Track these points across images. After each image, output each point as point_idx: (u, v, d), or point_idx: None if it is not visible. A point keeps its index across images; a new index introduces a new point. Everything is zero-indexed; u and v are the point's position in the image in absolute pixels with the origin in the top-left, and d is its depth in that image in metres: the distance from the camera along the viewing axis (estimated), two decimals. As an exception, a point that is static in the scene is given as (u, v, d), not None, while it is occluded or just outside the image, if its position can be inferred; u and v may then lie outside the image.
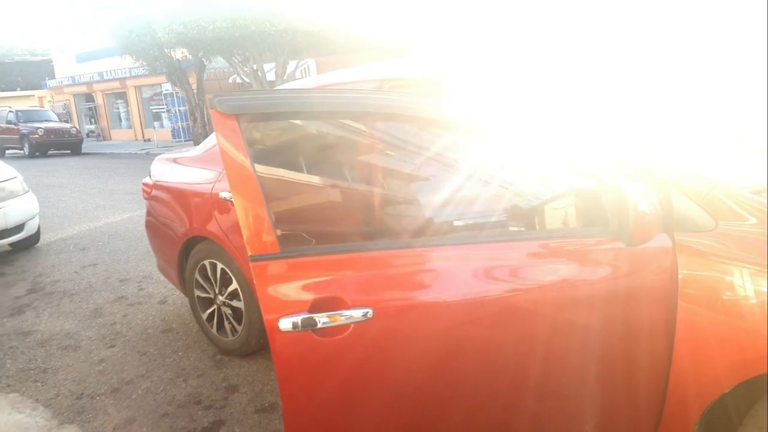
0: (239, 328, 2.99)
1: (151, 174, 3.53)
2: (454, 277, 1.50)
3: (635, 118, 2.11)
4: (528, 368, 1.55)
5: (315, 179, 1.69)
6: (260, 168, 1.46)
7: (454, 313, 1.48)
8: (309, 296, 1.42)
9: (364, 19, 14.76)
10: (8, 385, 3.03)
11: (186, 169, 3.21)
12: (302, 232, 1.63)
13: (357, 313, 1.41)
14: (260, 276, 1.41)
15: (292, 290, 1.43)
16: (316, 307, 1.41)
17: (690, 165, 1.69)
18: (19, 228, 5.45)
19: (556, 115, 1.84)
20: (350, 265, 1.47)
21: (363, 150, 1.76)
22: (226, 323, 3.08)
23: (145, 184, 3.56)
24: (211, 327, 3.16)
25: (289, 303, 1.41)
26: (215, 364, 3.05)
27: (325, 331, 1.41)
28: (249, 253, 1.40)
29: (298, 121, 1.66)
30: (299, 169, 1.65)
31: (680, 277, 1.49)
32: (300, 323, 1.39)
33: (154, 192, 3.45)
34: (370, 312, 1.42)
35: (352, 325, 1.42)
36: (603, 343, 1.53)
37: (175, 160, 3.42)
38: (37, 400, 2.86)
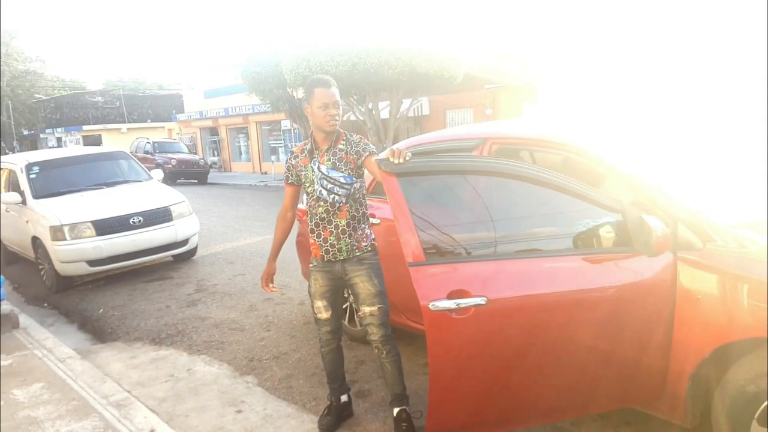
0: (366, 320, 4.21)
1: (303, 202, 4.93)
2: (539, 279, 2.44)
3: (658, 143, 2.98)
4: (592, 342, 2.46)
5: (450, 211, 2.61)
6: (413, 205, 2.37)
7: (540, 304, 2.40)
8: (446, 288, 2.30)
9: (481, 60, 16.10)
10: (198, 350, 4.48)
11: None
12: (441, 246, 2.49)
13: (476, 301, 2.30)
14: (415, 275, 2.30)
15: (435, 284, 2.31)
16: (451, 295, 2.29)
17: (690, 200, 2.63)
18: (185, 242, 7.19)
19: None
20: (473, 269, 2.40)
21: (478, 191, 2.63)
22: (356, 317, 4.32)
23: (299, 210, 4.97)
24: (344, 320, 4.42)
25: (434, 293, 2.29)
26: (347, 346, 4.27)
27: (457, 312, 2.29)
28: (407, 261, 2.30)
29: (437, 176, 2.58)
30: (438, 205, 2.58)
31: (679, 278, 2.46)
32: (440, 306, 2.27)
33: (305, 216, 4.84)
34: (484, 300, 2.30)
35: (473, 308, 2.29)
36: (633, 321, 2.48)
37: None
38: (221, 359, 4.26)
